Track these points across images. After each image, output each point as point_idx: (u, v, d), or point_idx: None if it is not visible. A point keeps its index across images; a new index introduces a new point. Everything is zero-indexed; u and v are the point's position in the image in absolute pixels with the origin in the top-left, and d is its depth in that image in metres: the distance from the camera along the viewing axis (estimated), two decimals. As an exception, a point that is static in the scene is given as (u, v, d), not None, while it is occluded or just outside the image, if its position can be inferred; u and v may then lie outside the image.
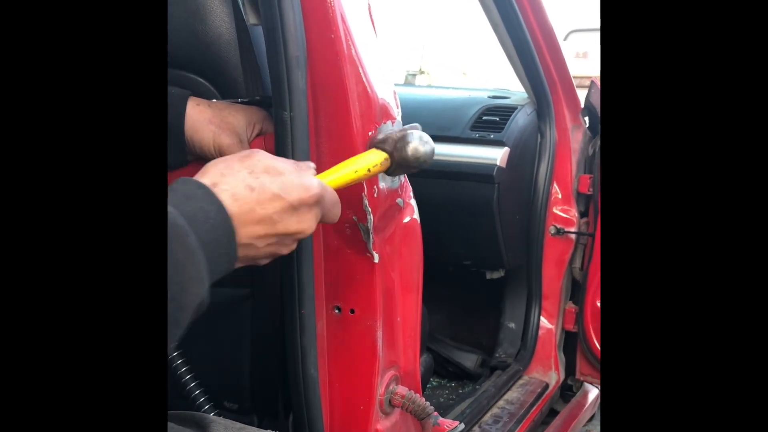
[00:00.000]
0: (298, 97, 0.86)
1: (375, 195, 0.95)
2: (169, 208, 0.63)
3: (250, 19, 0.89)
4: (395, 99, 0.99)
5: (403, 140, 0.88)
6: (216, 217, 0.68)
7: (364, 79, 0.90)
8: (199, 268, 0.64)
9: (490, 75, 6.77)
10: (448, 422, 1.11)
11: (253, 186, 0.72)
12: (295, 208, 0.74)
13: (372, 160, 0.87)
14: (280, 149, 0.88)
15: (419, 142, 0.88)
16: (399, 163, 0.89)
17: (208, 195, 0.69)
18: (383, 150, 0.89)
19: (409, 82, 6.57)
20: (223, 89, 0.97)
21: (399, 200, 1.02)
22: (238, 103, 0.95)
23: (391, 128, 0.94)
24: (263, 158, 0.76)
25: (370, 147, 0.91)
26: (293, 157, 0.86)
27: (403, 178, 1.04)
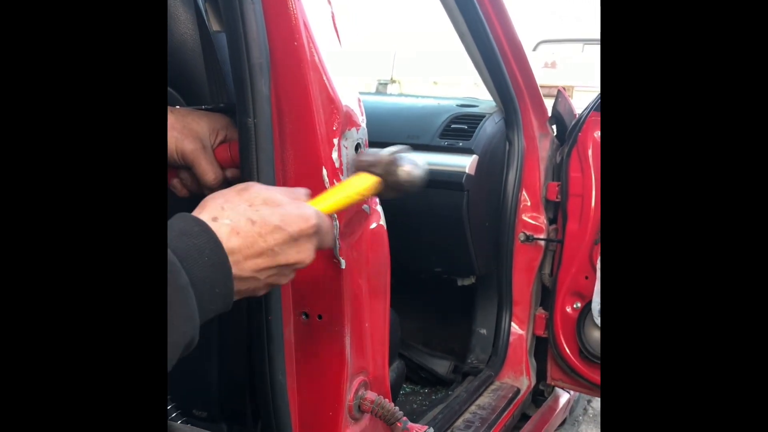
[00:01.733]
0: (261, 103, 0.86)
1: (341, 201, 0.95)
2: (173, 258, 0.62)
3: (214, 26, 0.90)
4: (359, 106, 1.00)
5: (394, 164, 0.88)
6: (211, 255, 0.67)
7: (327, 86, 0.91)
8: (189, 306, 0.64)
9: (461, 84, 6.83)
10: (417, 427, 1.11)
11: (254, 219, 0.72)
12: (295, 239, 0.75)
13: (363, 184, 0.87)
14: (244, 156, 0.88)
15: (411, 166, 0.89)
16: (391, 186, 0.89)
17: (205, 231, 0.69)
18: (374, 174, 0.89)
19: (380, 91, 6.60)
20: (187, 96, 0.97)
21: (365, 206, 1.03)
22: (201, 109, 0.96)
23: (377, 152, 0.93)
24: (261, 190, 0.77)
25: (357, 170, 0.92)
26: (257, 163, 0.87)
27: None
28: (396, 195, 0.92)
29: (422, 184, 0.90)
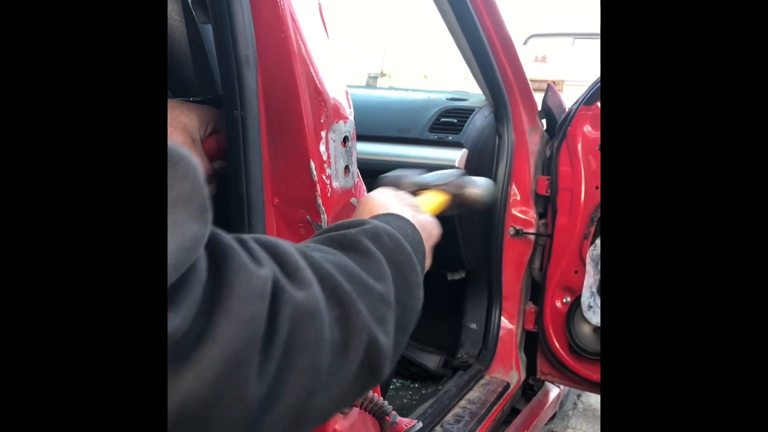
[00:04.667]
0: (249, 96, 0.86)
1: (329, 194, 0.95)
2: (383, 224, 0.68)
3: (200, 17, 0.89)
4: (347, 99, 0.99)
5: (466, 185, 1.00)
6: (414, 233, 0.73)
7: (315, 78, 0.91)
8: (418, 273, 0.68)
9: (451, 78, 6.83)
10: (406, 421, 1.11)
11: (421, 223, 0.77)
12: (435, 246, 0.82)
13: (438, 200, 0.97)
14: (231, 148, 0.87)
15: (481, 188, 1.00)
16: (461, 203, 1.00)
17: (405, 220, 0.75)
18: (446, 191, 1.00)
19: (370, 84, 6.58)
20: (174, 88, 0.96)
21: (353, 200, 1.02)
22: (190, 101, 0.95)
23: (443, 173, 1.04)
24: (407, 195, 0.85)
25: (426, 188, 1.01)
26: (245, 156, 0.86)
27: (357, 178, 1.04)
28: (460, 211, 1.03)
29: (489, 204, 1.02)
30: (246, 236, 0.50)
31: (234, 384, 0.42)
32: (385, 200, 0.80)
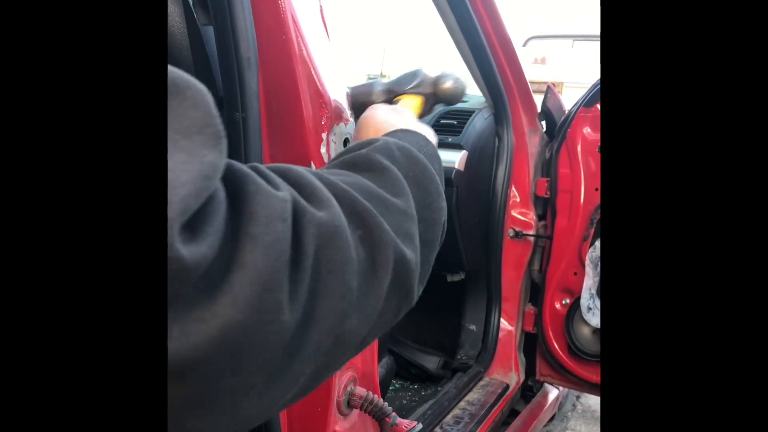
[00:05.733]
0: (249, 97, 0.86)
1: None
2: (394, 139, 0.67)
3: (201, 18, 0.89)
4: (348, 101, 0.99)
5: (440, 80, 0.99)
6: (426, 144, 0.72)
7: (316, 80, 0.91)
8: (437, 182, 0.67)
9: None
10: (406, 422, 1.11)
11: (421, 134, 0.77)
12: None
13: (415, 104, 0.95)
14: (232, 151, 0.87)
15: (455, 80, 0.99)
16: (440, 100, 0.99)
17: (414, 133, 0.74)
18: (420, 93, 0.98)
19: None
20: (175, 90, 0.96)
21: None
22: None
23: (413, 74, 1.02)
24: (405, 109, 0.85)
25: (397, 95, 0.99)
26: (245, 158, 0.86)
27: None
28: (432, 108, 1.03)
29: (462, 94, 1.01)
30: (258, 164, 0.48)
31: (267, 308, 0.41)
32: (387, 116, 0.79)
